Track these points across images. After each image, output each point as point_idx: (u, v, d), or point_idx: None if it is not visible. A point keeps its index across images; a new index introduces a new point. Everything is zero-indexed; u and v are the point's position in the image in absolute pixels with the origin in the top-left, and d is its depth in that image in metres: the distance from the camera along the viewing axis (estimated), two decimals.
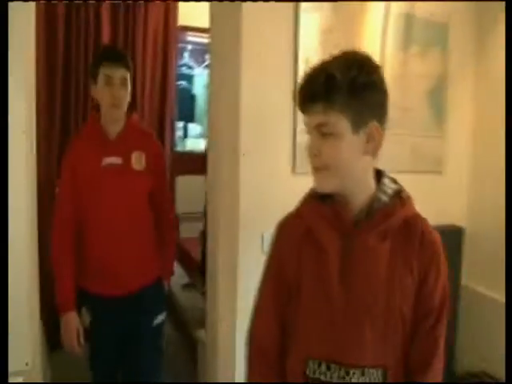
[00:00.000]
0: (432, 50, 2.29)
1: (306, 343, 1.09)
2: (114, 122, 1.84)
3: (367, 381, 1.03)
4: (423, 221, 1.08)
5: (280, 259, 1.15)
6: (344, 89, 0.97)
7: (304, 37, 2.02)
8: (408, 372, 1.06)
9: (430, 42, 2.28)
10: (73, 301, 1.80)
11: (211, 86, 2.27)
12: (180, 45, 4.17)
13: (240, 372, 2.08)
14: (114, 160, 1.83)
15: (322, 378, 1.05)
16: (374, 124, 1.00)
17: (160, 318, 1.98)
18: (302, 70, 1.86)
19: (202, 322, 2.49)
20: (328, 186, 1.05)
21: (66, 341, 1.78)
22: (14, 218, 1.63)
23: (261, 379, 1.14)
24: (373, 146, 1.02)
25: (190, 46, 4.61)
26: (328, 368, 1.05)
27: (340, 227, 1.05)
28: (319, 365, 1.06)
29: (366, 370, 1.03)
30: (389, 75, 2.09)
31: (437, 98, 2.30)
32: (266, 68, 2.03)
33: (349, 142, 0.99)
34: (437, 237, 1.07)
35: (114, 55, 1.85)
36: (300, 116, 1.44)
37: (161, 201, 1.98)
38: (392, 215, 1.05)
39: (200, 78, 4.92)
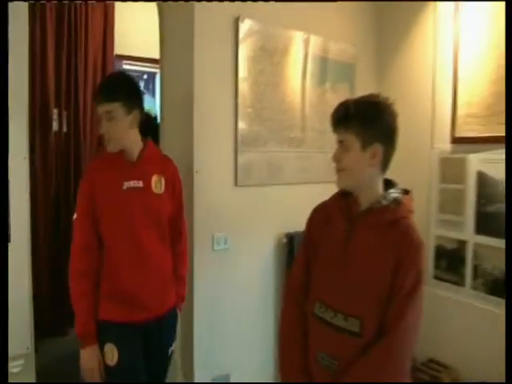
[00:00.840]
0: (341, 84, 2.79)
1: (317, 290, 1.46)
2: (129, 149, 1.79)
3: (347, 326, 1.36)
4: (407, 223, 1.38)
5: (310, 232, 1.55)
6: (358, 118, 1.34)
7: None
8: (382, 325, 1.33)
9: (340, 77, 2.78)
10: (95, 333, 1.70)
11: (164, 111, 2.52)
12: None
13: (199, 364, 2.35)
14: (135, 183, 1.79)
15: (321, 315, 1.42)
16: (377, 145, 1.36)
17: (174, 345, 1.94)
18: (241, 94, 2.30)
19: None
20: (343, 184, 1.44)
21: (88, 374, 1.70)
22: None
23: (290, 314, 1.53)
24: (375, 161, 1.37)
25: None
26: (325, 309, 1.41)
27: (348, 216, 1.43)
28: (320, 306, 1.43)
29: (348, 316, 1.36)
30: (308, 105, 2.61)
31: None
32: (215, 89, 2.31)
33: (358, 155, 1.36)
34: (415, 238, 1.35)
35: (98, 90, 1.77)
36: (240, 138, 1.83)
37: (176, 226, 1.94)
38: (384, 214, 1.38)
39: None
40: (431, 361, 2.56)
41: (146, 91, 4.90)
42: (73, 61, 3.78)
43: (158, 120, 2.63)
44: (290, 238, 2.54)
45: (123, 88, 1.74)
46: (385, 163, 1.40)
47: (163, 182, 1.83)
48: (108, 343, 1.70)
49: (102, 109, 1.69)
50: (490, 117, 2.28)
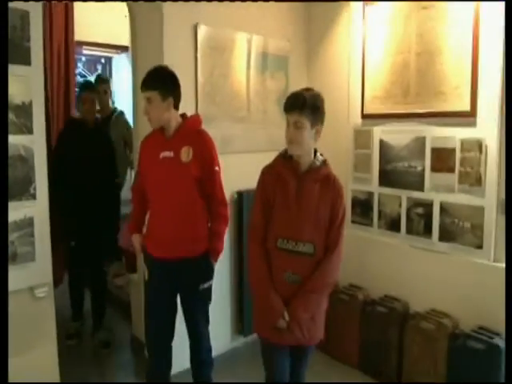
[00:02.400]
0: (278, 73, 3.44)
1: (277, 230, 1.93)
2: (166, 127, 2.20)
3: (305, 250, 1.90)
4: (334, 175, 1.96)
5: (263, 186, 1.98)
6: (309, 106, 1.83)
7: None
8: (325, 248, 1.92)
9: (277, 68, 3.43)
10: (139, 227, 2.38)
11: (136, 96, 2.99)
12: (76, 56, 4.72)
13: None
14: (168, 154, 2.18)
15: (284, 247, 1.91)
16: (319, 126, 1.89)
17: (205, 285, 2.28)
18: (199, 83, 2.87)
19: None
20: (295, 152, 1.91)
21: (137, 247, 2.37)
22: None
23: (257, 251, 1.95)
24: (317, 136, 1.90)
25: (83, 58, 5.13)
26: (287, 242, 1.91)
27: (295, 174, 1.93)
28: (282, 240, 1.92)
29: (306, 243, 1.90)
30: (252, 90, 3.28)
31: (282, 103, 3.43)
32: (179, 79, 2.62)
33: (308, 132, 1.86)
34: (340, 183, 1.97)
35: (142, 80, 2.17)
36: None
37: (207, 186, 2.24)
38: (320, 171, 1.94)
39: None
40: (351, 285, 3.24)
41: (103, 73, 5.31)
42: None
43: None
44: (240, 194, 3.19)
45: (160, 80, 2.16)
46: (319, 136, 1.94)
47: (191, 151, 2.17)
48: (145, 266, 2.32)
49: (144, 95, 2.14)
50: (388, 98, 3.01)
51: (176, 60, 2.81)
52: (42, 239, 2.36)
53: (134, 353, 3.31)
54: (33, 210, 2.31)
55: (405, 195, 2.95)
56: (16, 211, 2.25)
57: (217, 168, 2.27)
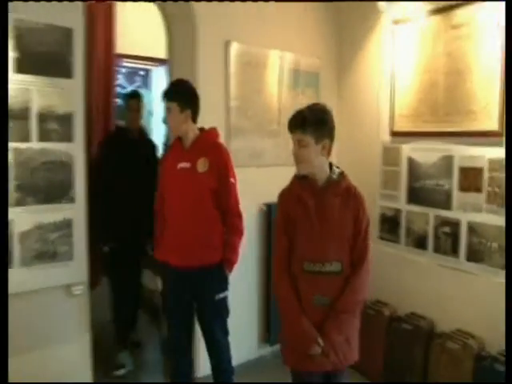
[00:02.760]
0: (309, 89, 3.51)
1: (302, 252, 1.86)
2: (184, 138, 2.30)
3: (333, 269, 1.82)
4: (354, 187, 1.89)
5: (283, 212, 1.92)
6: (311, 123, 1.77)
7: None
8: (352, 264, 1.84)
9: (308, 84, 3.50)
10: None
11: None
12: (116, 68, 4.86)
13: None
14: (185, 165, 2.26)
15: (311, 269, 1.83)
16: (325, 141, 1.81)
17: (220, 295, 2.32)
18: (231, 97, 2.99)
19: None
20: (303, 172, 1.87)
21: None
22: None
23: (283, 277, 1.88)
24: (325, 152, 1.82)
25: (123, 70, 5.28)
26: (314, 264, 1.83)
27: (313, 192, 1.85)
28: (309, 263, 1.83)
29: (333, 262, 1.83)
30: (283, 105, 3.34)
31: None
32: (212, 92, 2.93)
33: (313, 149, 1.80)
34: (361, 194, 1.89)
35: (165, 91, 2.30)
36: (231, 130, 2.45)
37: (223, 198, 2.30)
38: (339, 185, 1.86)
39: None
40: (377, 301, 3.22)
41: (142, 85, 5.50)
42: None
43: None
44: (269, 206, 3.27)
45: (180, 92, 2.28)
46: (329, 151, 1.87)
47: (207, 163, 2.24)
48: (158, 275, 2.44)
49: (165, 104, 2.27)
50: (417, 116, 3.04)
51: (209, 74, 2.96)
52: (79, 240, 2.50)
53: (163, 353, 3.44)
54: (71, 213, 2.45)
55: (432, 213, 2.95)
56: (56, 213, 2.40)
57: (232, 180, 2.32)
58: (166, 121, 2.31)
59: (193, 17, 2.91)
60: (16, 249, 2.29)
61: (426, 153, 3.00)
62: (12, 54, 2.23)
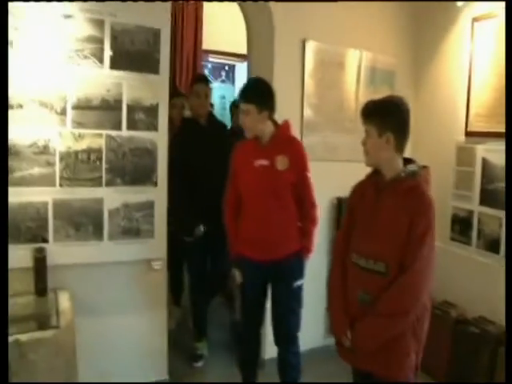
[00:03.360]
0: (384, 87, 3.51)
1: (353, 244, 1.86)
2: (261, 136, 2.31)
3: (377, 268, 1.74)
4: (423, 188, 1.73)
5: (350, 205, 1.96)
6: (376, 113, 1.74)
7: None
8: (402, 265, 1.69)
9: (383, 82, 3.51)
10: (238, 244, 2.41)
11: None
12: (203, 62, 5.28)
13: None
14: (263, 162, 2.28)
15: (357, 262, 1.81)
16: (389, 134, 1.72)
17: (298, 282, 2.38)
18: (306, 94, 3.07)
19: None
20: (367, 163, 1.84)
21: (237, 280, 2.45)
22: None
23: (336, 266, 1.95)
24: (389, 146, 1.73)
25: (209, 65, 5.62)
26: (359, 257, 1.80)
27: (376, 187, 1.81)
28: (355, 255, 1.82)
29: (376, 261, 1.74)
30: (360, 102, 3.37)
31: None
32: (288, 88, 3.02)
33: (376, 141, 1.75)
34: (425, 198, 1.71)
35: (240, 93, 2.30)
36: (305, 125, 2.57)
37: (300, 189, 2.35)
38: (403, 183, 1.74)
39: (217, 91, 5.52)
40: (445, 302, 3.18)
41: (226, 80, 5.76)
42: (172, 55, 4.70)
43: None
44: (339, 200, 3.34)
45: (258, 93, 2.28)
46: (399, 147, 1.76)
47: (286, 160, 2.27)
48: (237, 269, 2.43)
49: (242, 106, 2.27)
50: (492, 117, 2.96)
51: (285, 71, 3.07)
52: (160, 220, 2.73)
53: (233, 337, 3.56)
54: (154, 195, 2.69)
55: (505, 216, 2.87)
56: (140, 194, 2.66)
57: (309, 174, 2.38)
58: (241, 121, 2.31)
59: (270, 16, 3.05)
60: (105, 224, 2.58)
61: (501, 154, 2.89)
62: (108, 53, 2.50)
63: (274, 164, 2.27)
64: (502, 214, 2.89)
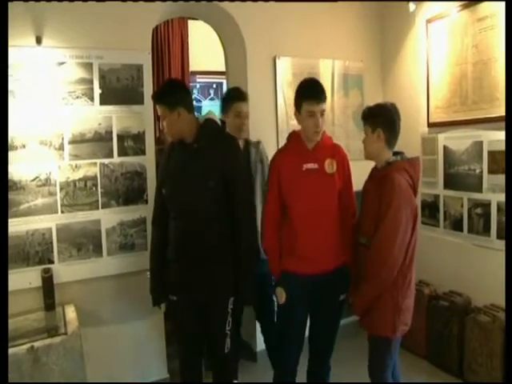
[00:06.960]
0: (354, 90, 3.84)
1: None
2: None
3: (363, 242, 2.14)
4: (389, 176, 2.05)
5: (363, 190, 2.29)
6: (368, 115, 2.18)
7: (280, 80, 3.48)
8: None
9: (353, 86, 3.83)
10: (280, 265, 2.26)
11: None
12: (191, 84, 5.58)
13: None
14: (312, 165, 2.19)
15: (360, 240, 2.20)
16: (379, 130, 2.12)
17: (342, 296, 2.27)
18: (281, 104, 3.39)
19: None
20: (365, 157, 2.25)
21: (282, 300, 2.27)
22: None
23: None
24: (380, 140, 2.12)
25: (197, 85, 5.92)
26: (361, 236, 2.20)
27: (370, 176, 2.25)
28: (359, 234, 2.24)
29: (363, 236, 2.15)
30: (336, 106, 3.68)
31: (358, 117, 3.47)
32: (261, 100, 3.32)
33: (369, 137, 2.16)
34: (388, 183, 2.03)
35: (316, 93, 2.17)
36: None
37: (346, 200, 2.27)
38: (379, 172, 2.16)
39: (207, 108, 5.59)
40: (420, 281, 3.44)
41: (215, 97, 6.10)
42: (161, 79, 5.05)
43: None
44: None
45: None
46: (389, 142, 2.14)
47: (335, 164, 2.22)
48: (282, 286, 2.25)
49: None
50: (449, 107, 3.26)
51: (257, 84, 3.40)
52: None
53: (244, 358, 3.34)
54: (145, 212, 3.02)
55: (466, 196, 3.15)
56: (133, 212, 3.01)
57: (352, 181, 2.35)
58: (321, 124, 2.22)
59: (241, 37, 3.39)
60: (104, 241, 2.93)
61: (458, 141, 3.21)
62: (97, 92, 2.86)
63: (323, 167, 2.21)
64: (463, 194, 3.18)
